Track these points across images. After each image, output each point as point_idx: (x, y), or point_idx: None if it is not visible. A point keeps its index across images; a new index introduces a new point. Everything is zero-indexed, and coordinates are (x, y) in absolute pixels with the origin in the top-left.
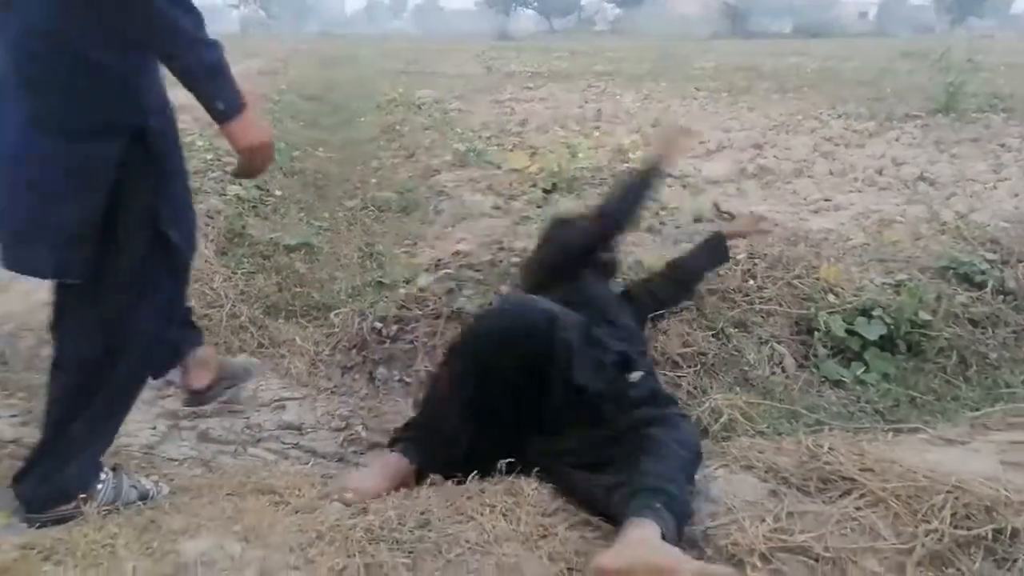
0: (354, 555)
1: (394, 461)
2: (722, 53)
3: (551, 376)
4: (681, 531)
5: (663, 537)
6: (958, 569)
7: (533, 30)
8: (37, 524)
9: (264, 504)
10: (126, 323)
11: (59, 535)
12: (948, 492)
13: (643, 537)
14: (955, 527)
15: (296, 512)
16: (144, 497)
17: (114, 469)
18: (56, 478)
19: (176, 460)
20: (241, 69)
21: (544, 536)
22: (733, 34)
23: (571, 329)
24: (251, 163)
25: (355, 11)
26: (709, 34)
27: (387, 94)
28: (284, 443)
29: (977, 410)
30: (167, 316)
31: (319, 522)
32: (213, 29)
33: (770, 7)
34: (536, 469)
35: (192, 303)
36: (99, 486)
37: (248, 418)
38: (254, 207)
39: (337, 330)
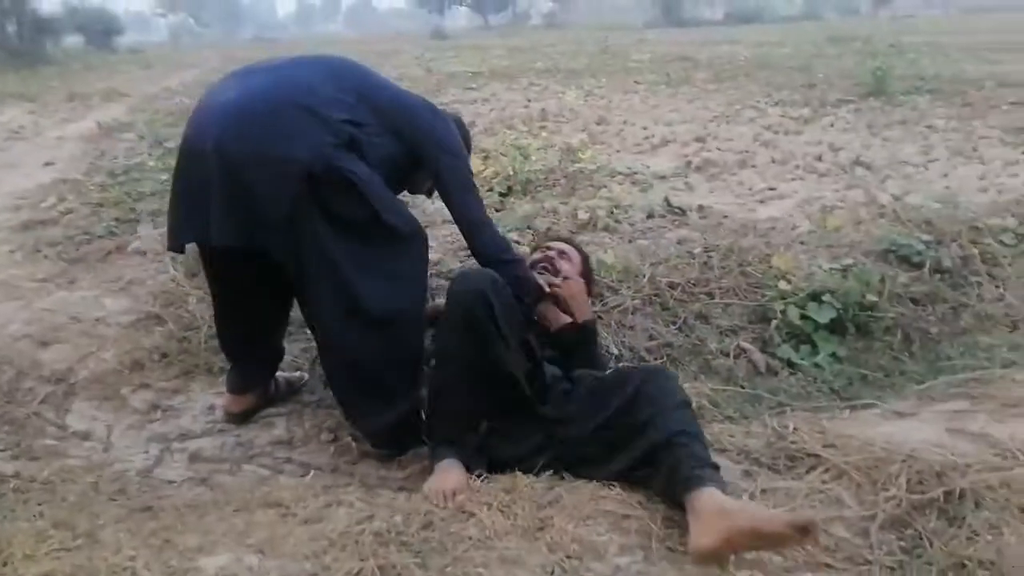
0: (367, 558)
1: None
2: (657, 43)
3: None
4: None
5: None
6: (915, 530)
7: (468, 27)
8: None
9: (273, 517)
10: None
11: (78, 561)
12: (903, 461)
13: (718, 506)
14: (910, 492)
15: (305, 522)
16: None
17: None
18: None
19: (174, 482)
20: (178, 82)
21: (542, 528)
22: (667, 23)
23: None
24: None
25: (287, 14)
26: (643, 23)
27: None
28: (277, 458)
29: (922, 383)
30: None
31: (329, 530)
32: (140, 39)
33: None
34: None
35: (170, 326)
36: None
37: (238, 435)
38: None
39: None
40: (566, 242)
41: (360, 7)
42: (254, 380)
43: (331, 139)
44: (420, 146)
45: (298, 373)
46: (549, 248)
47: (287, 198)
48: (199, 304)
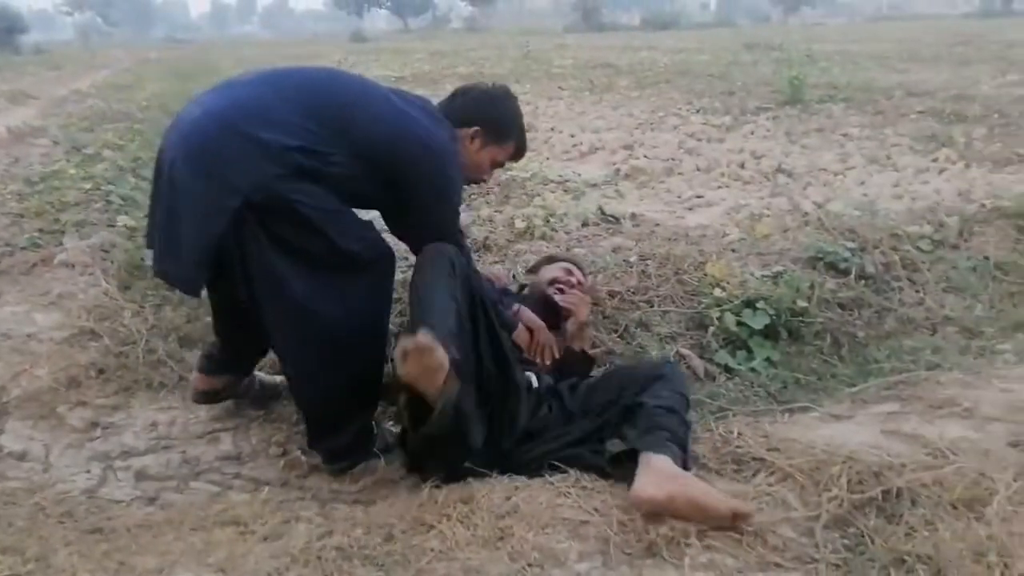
0: (331, 574)
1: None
2: (578, 49)
3: None
4: (687, 462)
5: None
6: (857, 528)
7: (387, 29)
8: None
9: (232, 535)
10: None
11: None
12: (843, 463)
13: (667, 468)
14: (851, 492)
15: (265, 539)
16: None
17: None
18: None
19: (122, 501)
20: (89, 84)
21: (502, 537)
22: (586, 28)
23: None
24: None
25: (200, 15)
26: (562, 28)
27: None
28: (225, 474)
29: (853, 386)
30: None
31: (290, 546)
32: (45, 38)
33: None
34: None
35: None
36: None
37: (184, 452)
38: (144, 237)
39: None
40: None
41: (276, 8)
42: (227, 365)
43: (274, 169)
44: (403, 190)
45: (280, 378)
46: (571, 273)
47: (216, 232)
48: (135, 318)
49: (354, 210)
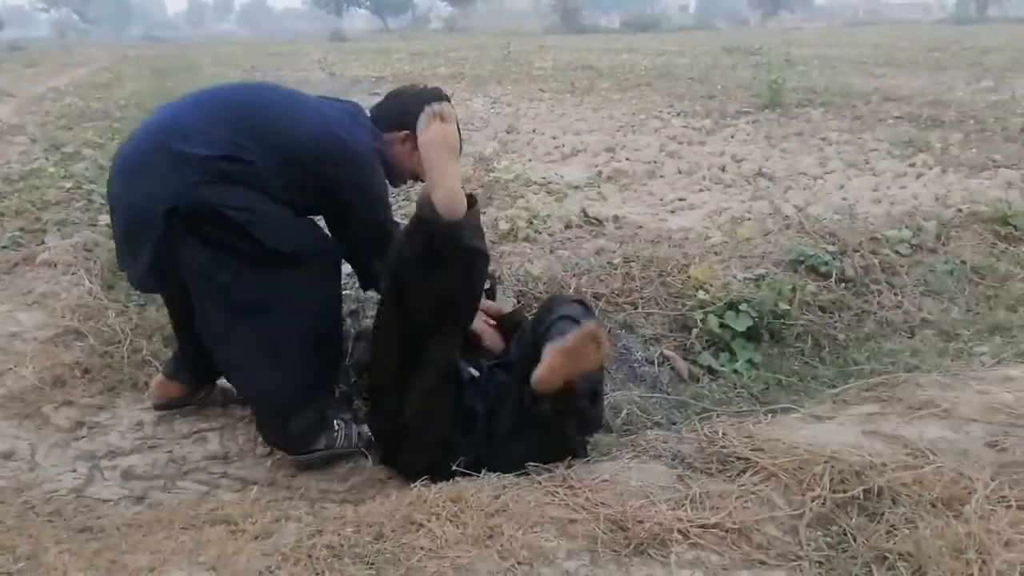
0: (322, 572)
1: None
2: (558, 51)
3: None
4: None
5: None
6: (840, 526)
7: (367, 29)
8: None
9: (222, 533)
10: None
11: None
12: (825, 462)
13: (558, 347)
14: (834, 491)
15: (256, 538)
16: None
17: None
18: None
19: (110, 500)
20: (67, 81)
21: (491, 536)
22: (565, 29)
23: None
24: None
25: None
26: (542, 29)
27: None
28: (212, 473)
29: (834, 387)
30: None
31: (281, 545)
32: (20, 35)
33: (598, 2)
34: None
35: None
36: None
37: (171, 452)
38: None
39: None
40: None
41: (254, 7)
42: (184, 371)
43: (196, 177)
44: (330, 193)
45: None
46: None
47: (151, 239)
48: (119, 318)
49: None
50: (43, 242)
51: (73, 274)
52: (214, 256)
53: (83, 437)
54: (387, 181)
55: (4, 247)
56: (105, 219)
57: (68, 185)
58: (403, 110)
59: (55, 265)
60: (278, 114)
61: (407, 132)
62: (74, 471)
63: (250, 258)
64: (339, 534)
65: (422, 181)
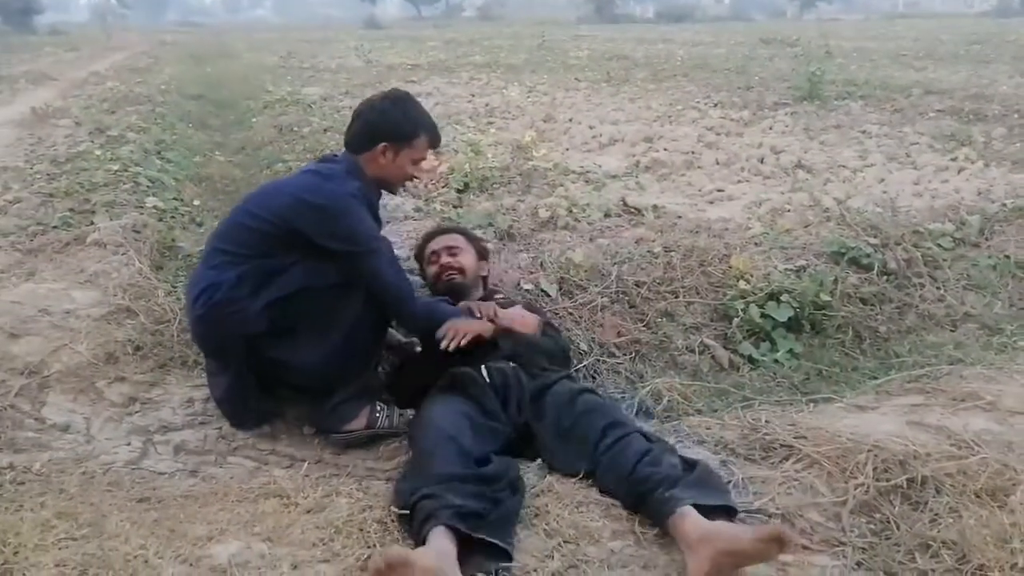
0: (374, 545)
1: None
2: (593, 40)
3: None
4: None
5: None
6: (883, 514)
7: (400, 16)
8: None
9: (276, 506)
10: None
11: (89, 550)
12: (869, 451)
13: (699, 532)
14: (877, 480)
15: (308, 511)
16: None
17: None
18: None
19: (165, 473)
20: (107, 66)
21: (538, 515)
22: (599, 19)
23: None
24: None
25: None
26: (576, 19)
27: (272, 92)
28: (261, 450)
29: (875, 378)
30: None
31: (334, 518)
32: (60, 20)
33: None
34: None
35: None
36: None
37: (220, 428)
38: (172, 218)
39: None
40: (441, 232)
41: None
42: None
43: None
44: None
45: None
46: (435, 253)
47: None
48: (168, 297)
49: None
50: (92, 223)
51: (123, 254)
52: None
53: (136, 412)
54: (388, 191)
55: (55, 227)
56: (152, 201)
57: (115, 168)
58: (371, 125)
59: (105, 245)
60: (249, 201)
61: (384, 144)
62: (128, 444)
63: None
64: (388, 510)
65: (417, 179)
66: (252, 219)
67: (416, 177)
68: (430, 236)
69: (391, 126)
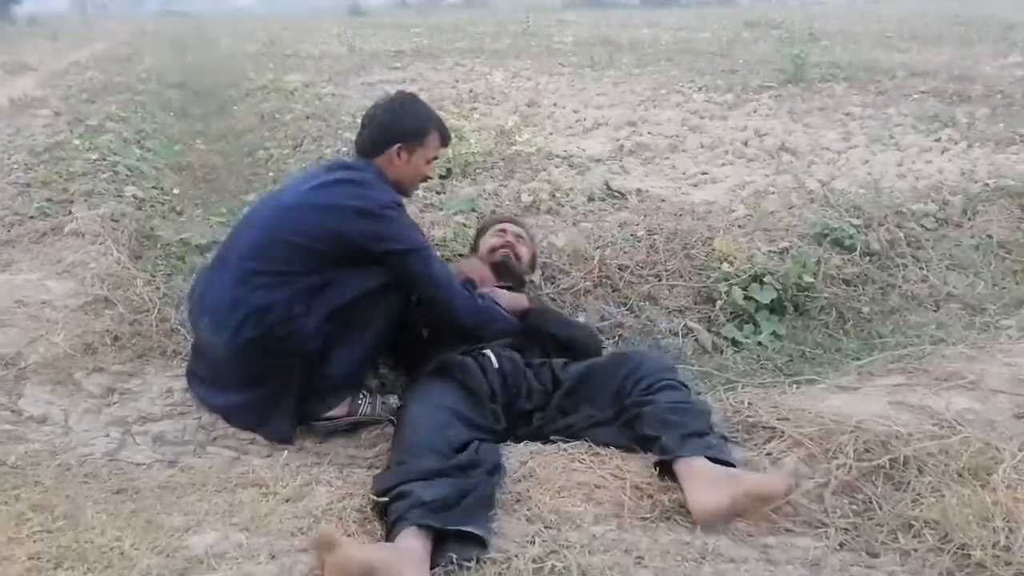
0: (353, 534)
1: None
2: (578, 25)
3: None
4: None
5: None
6: (865, 494)
7: (385, 3)
8: None
9: (255, 496)
10: None
11: (64, 543)
12: (851, 432)
13: (710, 472)
14: (859, 460)
15: (287, 501)
16: None
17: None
18: None
19: (143, 464)
20: (87, 55)
21: (519, 500)
22: (585, 4)
23: None
24: None
25: None
26: (561, 4)
27: (254, 79)
28: (241, 439)
29: (858, 359)
30: None
31: (313, 507)
32: (39, 9)
33: None
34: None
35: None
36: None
37: (200, 418)
38: (152, 207)
39: None
40: (518, 223)
41: None
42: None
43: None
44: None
45: None
46: (504, 230)
47: None
48: (147, 287)
49: None
50: (70, 212)
51: (101, 244)
52: None
53: (114, 403)
54: (403, 195)
55: (32, 217)
56: (131, 190)
57: (93, 157)
58: (384, 127)
59: (83, 235)
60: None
61: (399, 145)
62: (107, 436)
63: None
64: (368, 498)
65: (431, 178)
66: (296, 235)
67: (429, 177)
68: (505, 218)
69: (404, 126)
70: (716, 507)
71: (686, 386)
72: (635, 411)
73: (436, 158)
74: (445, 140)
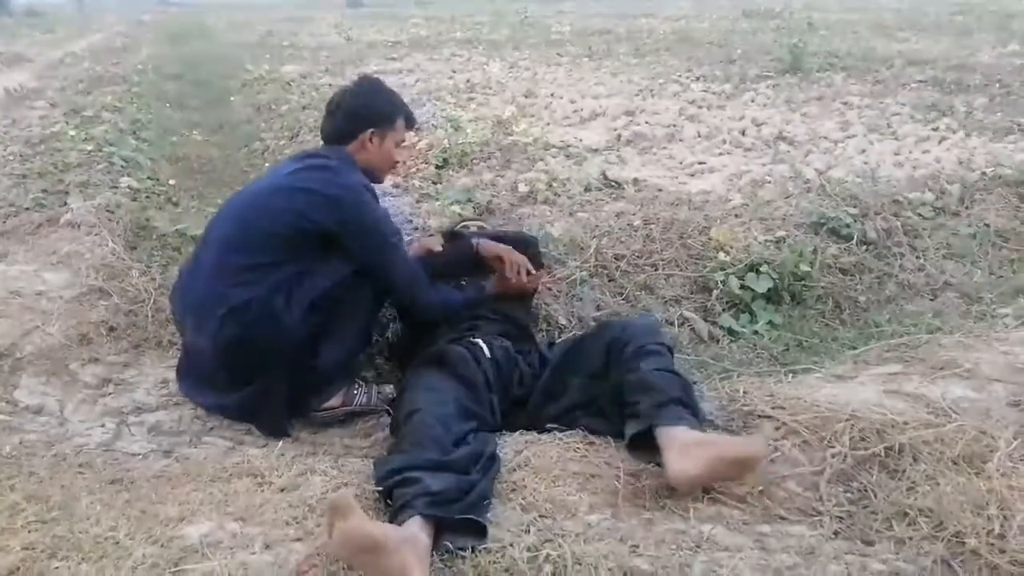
0: None
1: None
2: (576, 15)
3: None
4: (699, 417)
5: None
6: (860, 483)
7: None
8: None
9: (250, 485)
10: None
11: (59, 533)
12: (846, 420)
13: (689, 437)
14: (854, 449)
15: (282, 490)
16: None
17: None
18: None
19: (138, 454)
20: (84, 47)
21: (515, 489)
22: None
23: None
24: None
25: None
26: None
27: (251, 70)
28: (236, 430)
29: (854, 348)
30: None
31: (307, 496)
32: (36, 1)
33: None
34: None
35: (115, 299)
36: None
37: (195, 409)
38: (147, 198)
39: None
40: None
41: None
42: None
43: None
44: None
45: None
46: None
47: None
48: (142, 277)
49: None
50: (66, 203)
51: (96, 235)
52: None
53: (110, 394)
54: (375, 181)
55: (27, 208)
56: (127, 181)
57: (89, 148)
58: (353, 114)
59: (78, 226)
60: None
61: (371, 131)
62: (102, 426)
63: None
64: (363, 487)
65: (401, 163)
66: (265, 221)
67: (399, 161)
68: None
69: (373, 112)
70: (695, 473)
71: (670, 350)
72: (620, 381)
73: (404, 141)
74: (411, 122)
